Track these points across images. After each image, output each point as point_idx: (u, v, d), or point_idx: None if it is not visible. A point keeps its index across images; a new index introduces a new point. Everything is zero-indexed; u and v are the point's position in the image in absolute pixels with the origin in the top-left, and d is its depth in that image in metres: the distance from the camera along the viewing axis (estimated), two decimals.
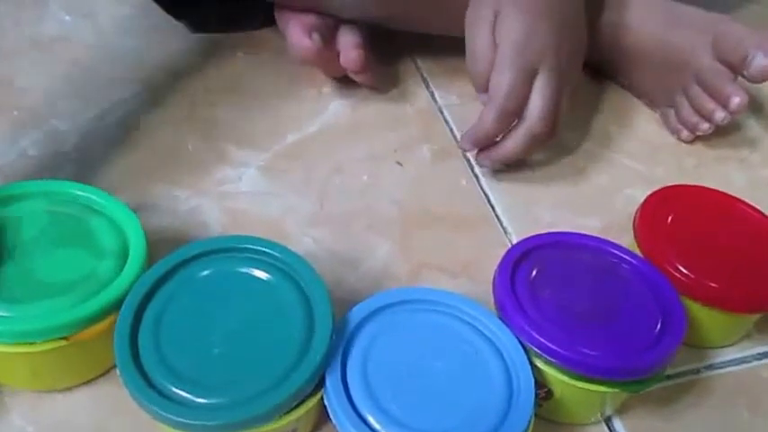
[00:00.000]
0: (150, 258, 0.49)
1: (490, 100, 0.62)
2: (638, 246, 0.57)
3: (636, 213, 0.59)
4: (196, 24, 0.79)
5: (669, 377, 0.55)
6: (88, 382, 0.50)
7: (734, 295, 0.53)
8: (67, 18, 0.80)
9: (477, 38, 0.64)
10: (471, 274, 0.60)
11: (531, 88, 0.63)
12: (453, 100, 0.76)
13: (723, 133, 0.74)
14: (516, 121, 0.64)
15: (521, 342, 0.48)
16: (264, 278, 0.48)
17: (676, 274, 0.54)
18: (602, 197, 0.68)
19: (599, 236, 0.56)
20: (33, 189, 0.52)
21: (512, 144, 0.64)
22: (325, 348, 0.44)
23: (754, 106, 0.78)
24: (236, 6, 0.78)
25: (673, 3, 0.74)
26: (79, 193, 0.52)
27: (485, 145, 0.65)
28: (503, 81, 0.62)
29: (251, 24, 0.80)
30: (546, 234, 0.55)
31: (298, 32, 0.68)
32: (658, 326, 0.49)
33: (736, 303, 0.54)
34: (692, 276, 0.54)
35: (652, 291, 0.52)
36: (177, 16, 0.79)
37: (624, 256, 0.54)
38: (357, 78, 0.72)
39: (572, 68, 0.67)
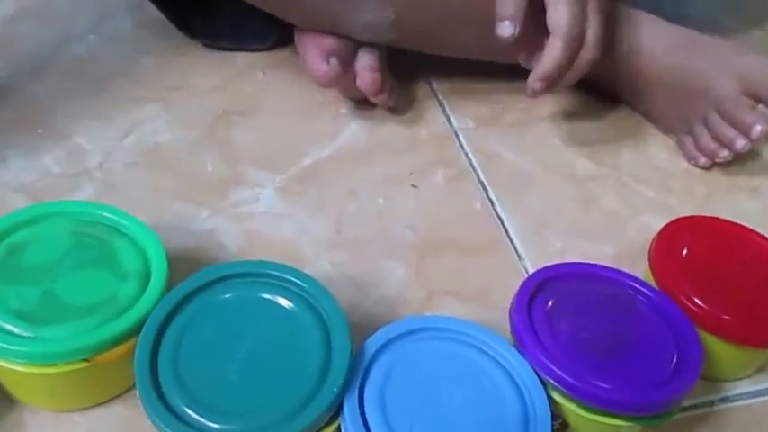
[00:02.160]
0: (170, 280, 0.50)
1: (555, 32, 0.64)
2: (654, 277, 0.57)
3: (651, 244, 0.59)
4: (209, 40, 0.80)
5: (683, 409, 0.55)
6: (105, 403, 0.51)
7: (748, 328, 0.54)
8: (92, 36, 0.81)
9: None
10: (485, 300, 0.61)
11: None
12: (468, 123, 0.77)
13: (736, 161, 0.74)
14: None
15: (537, 374, 0.49)
16: (285, 305, 0.48)
17: (691, 306, 0.54)
18: (614, 224, 0.69)
19: (614, 266, 0.56)
20: (58, 209, 0.53)
21: (574, 73, 0.67)
22: (342, 379, 0.45)
23: None
24: (250, 24, 0.79)
25: (689, 31, 0.75)
26: (103, 214, 0.53)
27: (556, 79, 0.66)
28: (564, 10, 0.64)
29: (264, 43, 0.81)
30: (562, 264, 0.56)
31: (315, 57, 0.69)
32: (674, 360, 0.50)
33: (750, 337, 0.54)
34: (707, 309, 0.54)
35: (668, 324, 0.52)
36: (192, 34, 0.80)
37: (641, 288, 0.55)
38: (374, 100, 0.73)
39: None
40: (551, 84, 0.66)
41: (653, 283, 0.56)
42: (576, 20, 0.64)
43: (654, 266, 0.58)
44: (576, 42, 0.65)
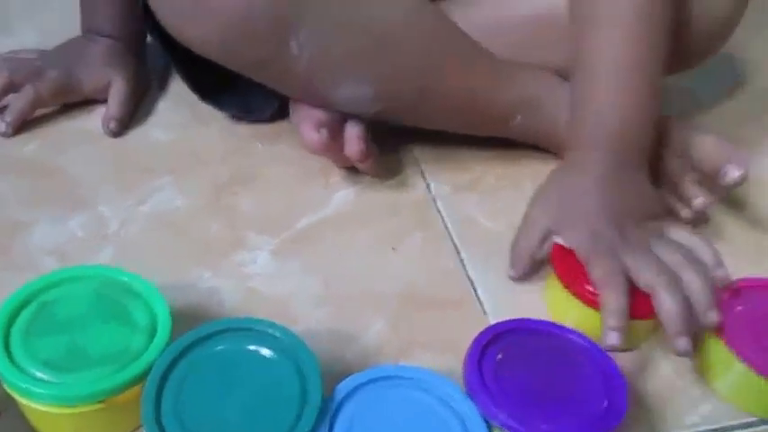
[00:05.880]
0: (175, 332, 0.58)
1: (600, 286, 0.64)
2: None
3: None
4: (232, 111, 0.90)
5: None
6: None
7: None
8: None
9: (526, 238, 0.72)
10: (454, 351, 0.64)
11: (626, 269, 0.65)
12: (446, 190, 0.84)
13: None
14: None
15: (485, 418, 0.56)
16: (268, 356, 0.56)
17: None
18: None
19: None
20: (84, 273, 0.62)
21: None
22: (312, 423, 0.53)
23: None
24: (253, 98, 0.88)
25: None
26: (121, 278, 0.62)
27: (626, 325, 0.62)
28: (597, 269, 0.65)
29: (263, 115, 0.89)
30: (512, 320, 0.64)
31: (308, 127, 0.77)
32: (605, 403, 0.58)
33: None
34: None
35: (601, 373, 0.60)
36: (220, 106, 0.89)
37: (579, 341, 0.62)
38: (360, 167, 0.81)
39: (651, 222, 0.70)
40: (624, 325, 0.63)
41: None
42: (612, 275, 0.64)
43: None
44: (624, 286, 0.63)
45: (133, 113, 0.91)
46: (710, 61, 0.87)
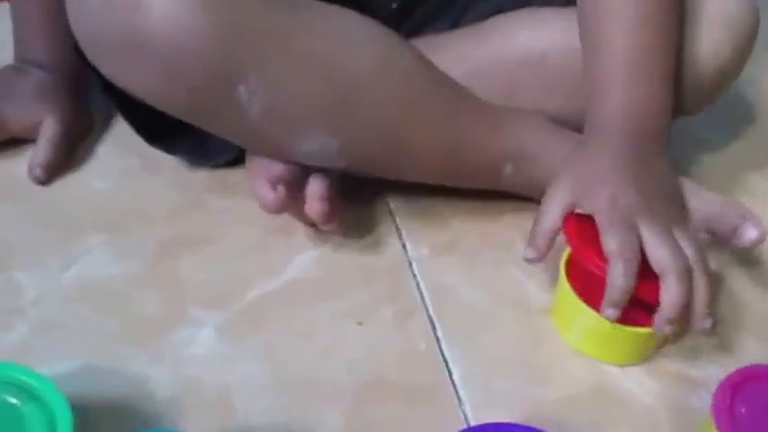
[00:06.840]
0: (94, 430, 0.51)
1: (611, 259, 0.63)
2: None
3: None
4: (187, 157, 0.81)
5: None
6: None
7: None
8: None
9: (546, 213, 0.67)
10: None
11: (642, 240, 0.63)
12: (424, 251, 0.76)
13: None
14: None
15: None
16: None
17: None
18: (564, 363, 0.68)
19: (561, 408, 0.63)
20: None
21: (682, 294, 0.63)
22: None
23: None
24: (212, 141, 0.78)
25: None
26: (14, 375, 0.52)
27: (626, 303, 0.63)
28: (611, 239, 0.63)
29: (224, 160, 0.81)
30: (486, 425, 0.57)
31: (263, 184, 0.69)
32: None
33: None
34: None
35: None
36: (172, 150, 0.80)
37: None
38: (323, 228, 0.73)
39: (673, 210, 0.68)
40: (624, 305, 0.64)
41: None
42: (626, 243, 0.63)
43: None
44: (633, 264, 0.62)
45: (68, 158, 0.80)
46: (720, 102, 0.82)
